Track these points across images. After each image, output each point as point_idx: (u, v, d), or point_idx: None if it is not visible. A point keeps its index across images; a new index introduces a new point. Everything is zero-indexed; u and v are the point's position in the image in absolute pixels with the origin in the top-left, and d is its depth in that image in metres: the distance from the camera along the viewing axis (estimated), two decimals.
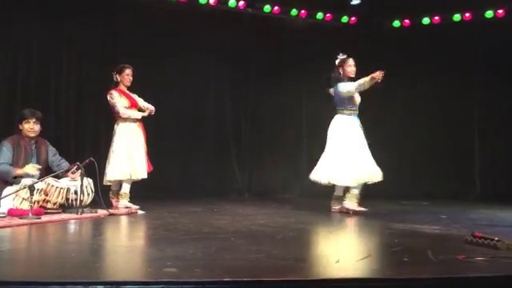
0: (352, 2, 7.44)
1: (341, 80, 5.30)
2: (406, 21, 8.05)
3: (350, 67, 5.29)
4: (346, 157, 5.11)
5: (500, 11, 7.49)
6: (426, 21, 7.95)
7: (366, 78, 5.02)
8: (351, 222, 4.73)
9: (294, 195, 7.93)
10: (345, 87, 5.20)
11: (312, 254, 3.16)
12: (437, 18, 7.89)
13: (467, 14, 7.69)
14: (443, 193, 7.44)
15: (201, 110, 7.86)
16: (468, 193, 7.65)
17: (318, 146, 8.44)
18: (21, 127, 4.98)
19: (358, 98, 5.31)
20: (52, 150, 5.19)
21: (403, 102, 7.98)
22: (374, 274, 2.52)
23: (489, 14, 7.55)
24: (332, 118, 5.43)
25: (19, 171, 4.75)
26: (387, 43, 7.79)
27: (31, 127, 4.98)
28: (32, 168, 4.73)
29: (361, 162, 5.09)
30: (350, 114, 5.29)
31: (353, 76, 5.31)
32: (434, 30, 7.92)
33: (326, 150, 5.36)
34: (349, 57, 5.36)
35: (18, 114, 5.03)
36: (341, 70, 5.32)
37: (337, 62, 5.37)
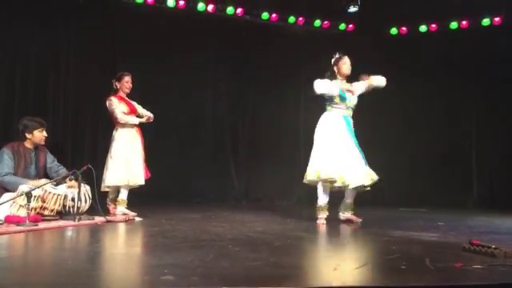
0: (349, 10, 7.46)
1: (329, 78, 5.14)
2: (404, 28, 8.09)
3: (346, 64, 5.17)
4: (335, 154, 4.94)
5: (496, 19, 7.54)
6: (423, 28, 7.99)
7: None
8: (348, 230, 4.72)
9: (291, 202, 7.93)
10: (315, 86, 5.06)
11: (309, 262, 3.15)
12: (434, 25, 7.93)
13: (464, 22, 7.73)
14: (441, 200, 7.45)
15: (199, 117, 7.88)
16: (465, 200, 7.67)
17: None
18: (29, 136, 5.00)
19: (342, 98, 5.10)
20: (50, 156, 5.22)
21: (400, 109, 8.00)
22: (371, 281, 2.52)
23: (485, 21, 7.60)
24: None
25: (32, 183, 4.71)
26: (384, 50, 7.81)
27: (44, 135, 5.09)
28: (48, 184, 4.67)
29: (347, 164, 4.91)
30: (338, 113, 5.11)
31: (348, 73, 5.18)
32: (431, 38, 7.96)
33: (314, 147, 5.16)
34: (344, 55, 5.21)
35: (26, 123, 5.02)
36: (335, 69, 5.18)
37: (332, 60, 5.24)
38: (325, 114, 5.19)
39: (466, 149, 8.00)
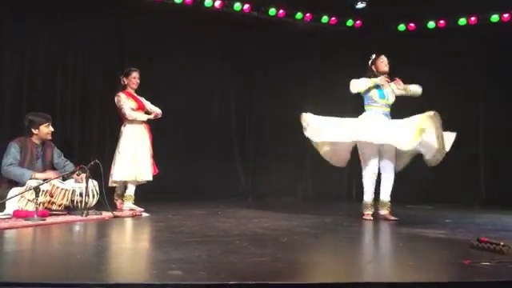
0: (357, 6, 7.43)
1: (369, 76, 5.20)
2: (412, 24, 8.04)
3: (383, 62, 5.22)
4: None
5: (506, 15, 7.47)
6: (431, 25, 7.94)
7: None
8: (356, 226, 4.71)
9: (297, 199, 7.93)
10: (350, 85, 5.13)
11: (316, 258, 3.14)
12: (442, 21, 7.87)
13: (473, 18, 7.67)
14: (448, 197, 7.41)
15: (205, 113, 7.87)
16: (473, 197, 7.63)
17: None
18: (36, 132, 5.00)
19: (380, 95, 5.16)
20: (57, 151, 5.23)
21: (407, 106, 7.95)
22: (379, 278, 2.52)
23: (494, 18, 7.54)
24: None
25: (39, 175, 4.76)
26: (392, 47, 7.76)
27: (51, 130, 5.10)
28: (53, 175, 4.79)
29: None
30: (378, 111, 5.14)
31: (387, 70, 5.22)
32: (439, 34, 7.90)
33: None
34: (381, 53, 5.29)
35: (31, 119, 5.03)
36: (373, 68, 5.24)
37: (369, 62, 5.30)
38: (364, 113, 5.20)
39: (474, 146, 7.94)
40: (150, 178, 5.48)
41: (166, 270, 2.37)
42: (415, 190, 7.52)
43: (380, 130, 4.95)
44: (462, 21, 7.73)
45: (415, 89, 5.35)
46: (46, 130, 5.05)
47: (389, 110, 5.23)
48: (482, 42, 7.60)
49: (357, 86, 5.11)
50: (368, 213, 5.06)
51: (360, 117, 5.21)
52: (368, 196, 5.11)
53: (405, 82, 5.42)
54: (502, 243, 3.00)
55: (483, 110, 7.94)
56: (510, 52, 7.40)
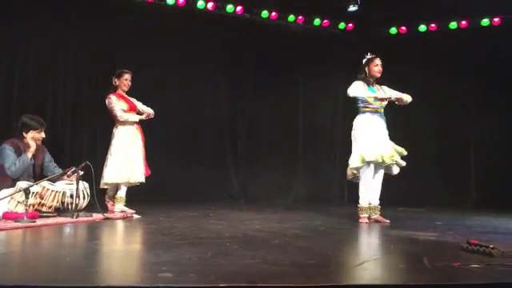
0: (349, 9, 7.46)
1: (363, 80, 5.18)
2: (403, 28, 8.09)
3: (377, 66, 5.18)
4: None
5: (496, 19, 7.55)
6: (422, 28, 8.00)
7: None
8: (347, 229, 4.72)
9: (289, 201, 7.94)
10: (349, 88, 5.14)
11: (307, 260, 3.14)
12: (433, 25, 7.93)
13: (463, 22, 7.74)
14: (439, 200, 7.45)
15: (198, 116, 7.87)
16: (463, 200, 7.67)
17: (314, 152, 8.49)
18: (27, 135, 4.99)
19: (374, 98, 5.18)
20: (48, 156, 5.22)
21: (399, 110, 7.98)
22: (369, 280, 2.52)
23: (485, 22, 7.61)
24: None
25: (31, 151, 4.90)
26: (384, 50, 7.79)
27: (42, 136, 5.09)
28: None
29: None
30: (373, 113, 5.15)
31: (379, 76, 5.22)
32: (430, 38, 7.95)
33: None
34: (376, 56, 5.24)
35: (25, 122, 5.01)
36: (366, 69, 5.20)
37: (363, 61, 5.25)
38: (360, 116, 5.19)
39: (465, 149, 8.00)
40: (142, 179, 5.47)
41: (156, 272, 2.36)
42: (406, 193, 7.55)
43: (373, 144, 5.06)
44: (453, 24, 7.80)
45: (408, 99, 5.34)
46: (36, 135, 5.03)
47: (382, 110, 5.25)
48: (473, 46, 7.66)
49: (356, 92, 5.11)
50: (364, 216, 5.08)
51: (359, 122, 5.19)
52: (364, 200, 5.12)
53: (396, 85, 5.46)
54: (491, 246, 3.01)
55: (474, 113, 8.00)
56: (500, 55, 7.47)
